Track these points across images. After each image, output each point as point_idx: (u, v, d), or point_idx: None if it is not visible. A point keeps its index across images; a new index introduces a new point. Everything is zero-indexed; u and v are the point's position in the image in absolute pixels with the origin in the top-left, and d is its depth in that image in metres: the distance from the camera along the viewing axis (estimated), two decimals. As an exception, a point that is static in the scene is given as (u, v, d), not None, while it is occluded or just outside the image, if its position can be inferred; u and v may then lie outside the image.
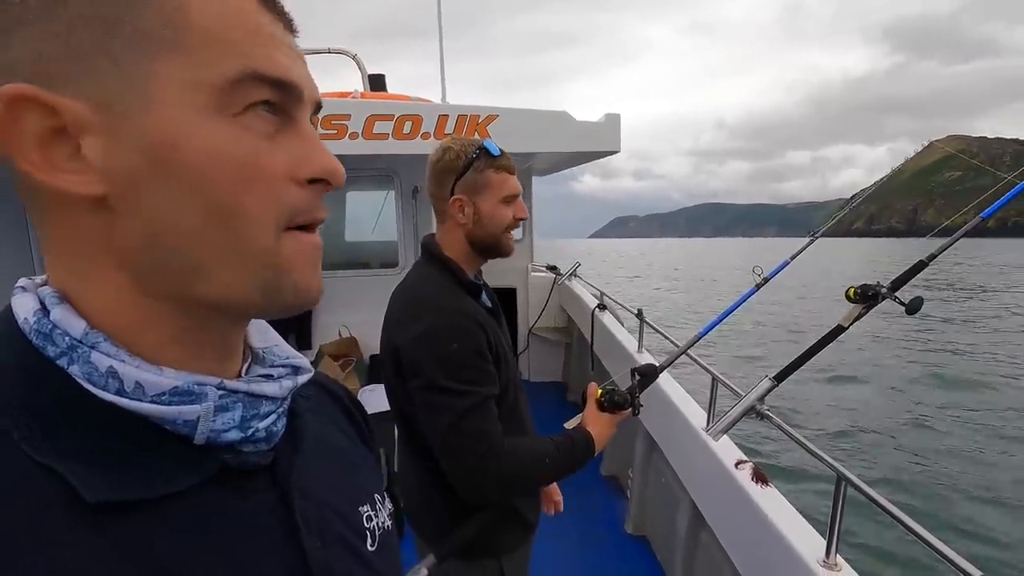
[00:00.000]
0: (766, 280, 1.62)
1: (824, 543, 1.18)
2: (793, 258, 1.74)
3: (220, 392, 0.36)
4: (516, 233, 1.37)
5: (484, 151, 1.15)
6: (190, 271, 0.34)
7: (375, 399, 2.44)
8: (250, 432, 0.37)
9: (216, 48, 0.33)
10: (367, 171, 4.11)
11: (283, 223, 0.36)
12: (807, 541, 1.23)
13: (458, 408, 1.03)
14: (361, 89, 3.68)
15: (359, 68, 3.94)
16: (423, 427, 1.09)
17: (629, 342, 2.99)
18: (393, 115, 3.06)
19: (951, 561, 0.88)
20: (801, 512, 1.33)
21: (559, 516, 1.51)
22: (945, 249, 1.33)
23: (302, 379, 0.43)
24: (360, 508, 0.47)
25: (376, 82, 3.95)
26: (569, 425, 1.26)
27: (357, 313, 3.89)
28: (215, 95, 0.33)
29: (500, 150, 1.17)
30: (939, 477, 5.37)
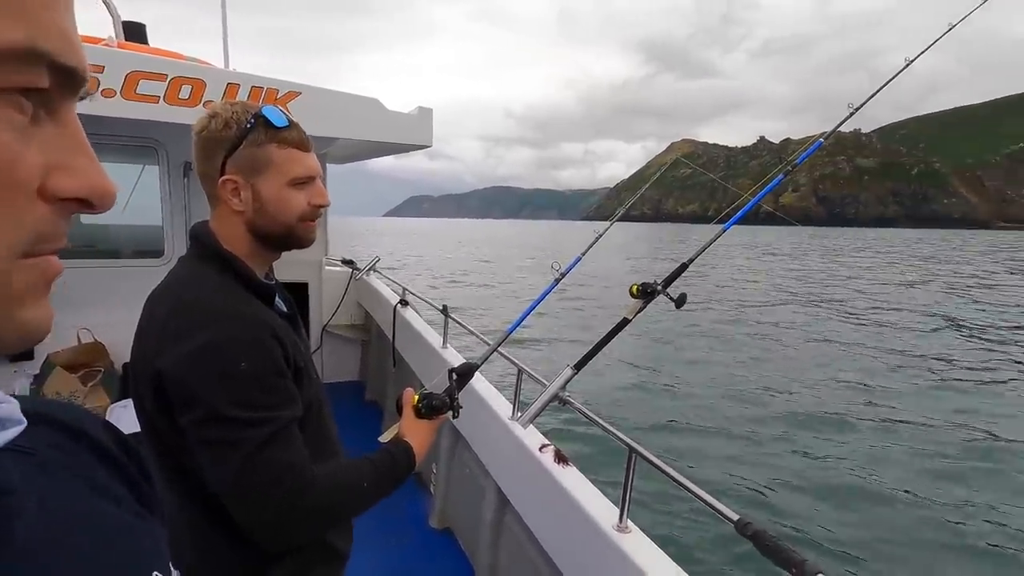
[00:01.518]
0: (563, 275, 1.75)
1: (617, 510, 1.36)
2: (583, 254, 1.91)
3: None
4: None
5: (263, 120, 0.94)
6: None
7: (130, 417, 2.03)
8: None
9: None
10: (122, 138, 3.35)
11: (19, 250, 0.26)
12: (603, 510, 1.40)
13: (252, 441, 0.84)
14: (115, 37, 2.96)
15: (109, 11, 3.11)
16: (204, 469, 0.87)
17: (434, 338, 3.00)
18: (166, 75, 2.53)
19: (717, 509, 1.09)
20: (597, 486, 1.51)
21: (362, 516, 1.45)
22: (701, 253, 1.61)
23: (5, 437, 0.31)
24: None
25: (134, 31, 3.21)
26: (385, 438, 1.16)
27: (104, 313, 3.18)
28: None
29: (288, 119, 0.96)
30: (712, 446, 6.23)
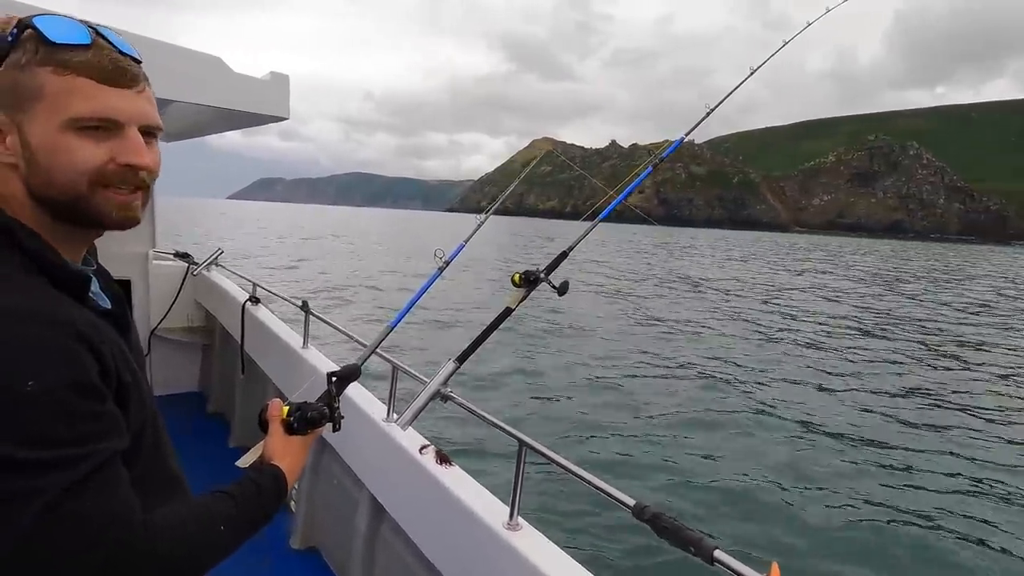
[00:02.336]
0: (447, 263, 1.65)
1: (506, 508, 1.30)
2: (467, 241, 1.82)
3: None
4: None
5: (33, 32, 0.67)
6: None
7: None
8: None
9: None
10: None
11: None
12: (491, 509, 1.33)
13: (50, 490, 0.59)
14: None
15: None
16: None
17: (292, 338, 2.70)
18: None
19: (612, 496, 1.07)
20: (485, 485, 1.44)
21: None
22: (579, 242, 1.61)
23: None
24: None
25: None
26: (245, 462, 0.95)
27: None
28: None
29: (89, 36, 0.69)
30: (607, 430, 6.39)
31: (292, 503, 2.56)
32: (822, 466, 5.80)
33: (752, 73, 1.77)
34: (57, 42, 0.67)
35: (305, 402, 1.01)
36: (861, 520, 4.79)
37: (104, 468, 0.64)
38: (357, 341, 2.06)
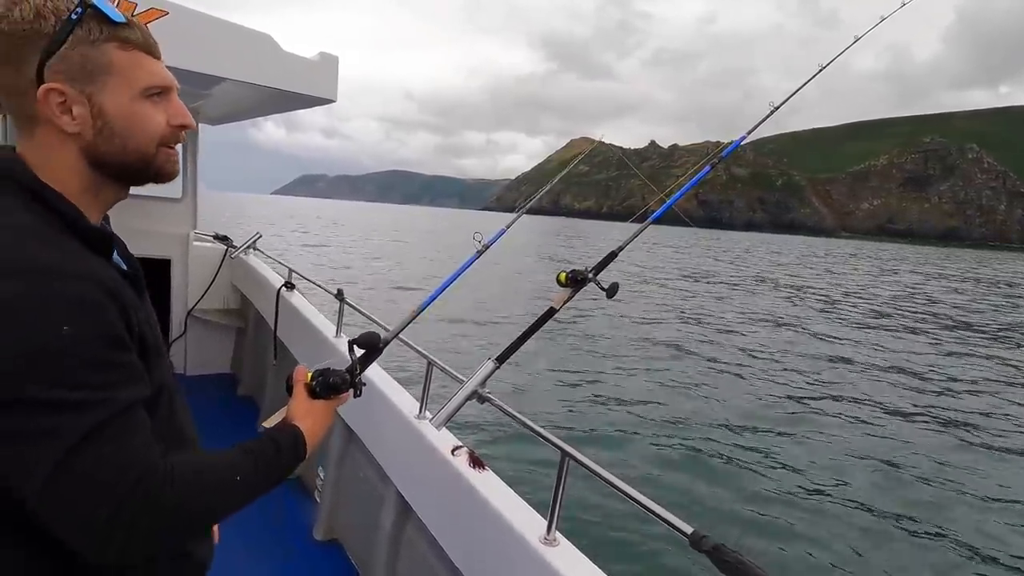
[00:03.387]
0: (486, 247, 1.60)
1: (543, 521, 1.22)
2: (508, 227, 1.79)
3: None
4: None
5: (94, 11, 0.72)
6: None
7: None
8: None
9: None
10: None
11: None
12: (527, 520, 1.25)
13: (78, 430, 0.64)
14: None
15: None
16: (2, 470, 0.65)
17: (325, 326, 2.68)
18: None
19: (668, 522, 0.98)
20: (520, 493, 1.36)
21: (232, 527, 1.21)
22: (630, 242, 1.53)
23: None
24: None
25: None
26: (268, 423, 0.98)
27: None
28: None
29: (124, 15, 0.76)
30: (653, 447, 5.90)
31: (317, 493, 2.55)
32: (922, 498, 5.14)
33: (821, 70, 1.69)
34: (117, 21, 0.75)
35: (328, 367, 1.04)
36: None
37: (127, 413, 0.69)
38: (386, 329, 2.06)
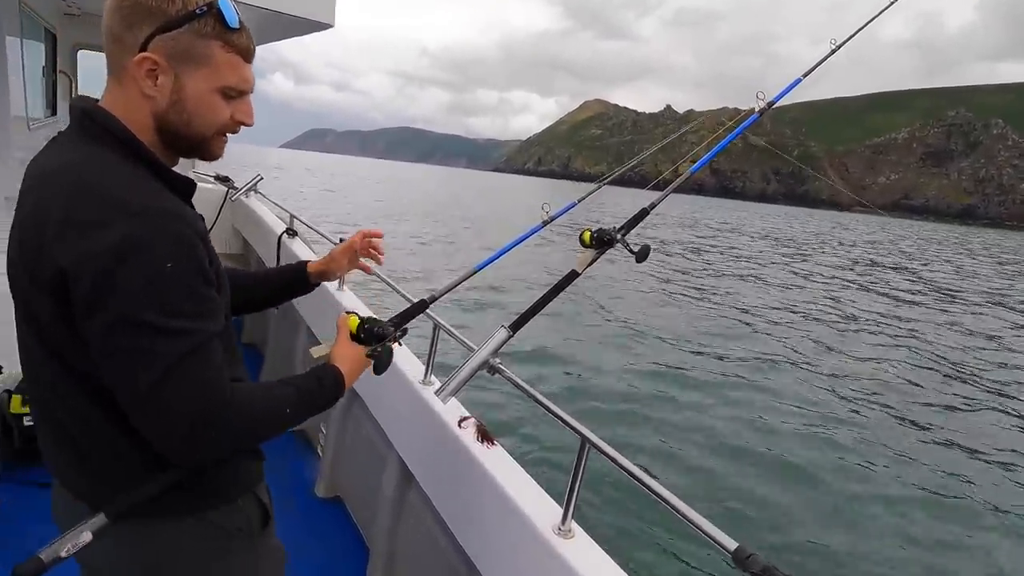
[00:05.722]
0: (552, 219, 1.55)
1: (558, 509, 1.10)
2: (579, 201, 1.77)
3: None
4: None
5: (217, 13, 0.84)
6: None
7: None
8: None
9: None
10: None
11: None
12: (539, 507, 1.14)
13: (170, 355, 0.77)
14: None
15: None
16: (107, 376, 0.79)
17: None
18: None
19: (709, 535, 0.85)
20: (533, 476, 1.25)
21: None
22: (663, 199, 1.38)
23: None
24: None
25: None
26: (316, 353, 1.11)
27: None
28: None
29: (241, 23, 0.86)
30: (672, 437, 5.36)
31: (319, 448, 2.48)
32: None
33: (873, 20, 1.66)
34: (231, 25, 0.85)
35: (374, 317, 1.13)
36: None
37: (208, 344, 0.81)
38: (391, 286, 2.02)
